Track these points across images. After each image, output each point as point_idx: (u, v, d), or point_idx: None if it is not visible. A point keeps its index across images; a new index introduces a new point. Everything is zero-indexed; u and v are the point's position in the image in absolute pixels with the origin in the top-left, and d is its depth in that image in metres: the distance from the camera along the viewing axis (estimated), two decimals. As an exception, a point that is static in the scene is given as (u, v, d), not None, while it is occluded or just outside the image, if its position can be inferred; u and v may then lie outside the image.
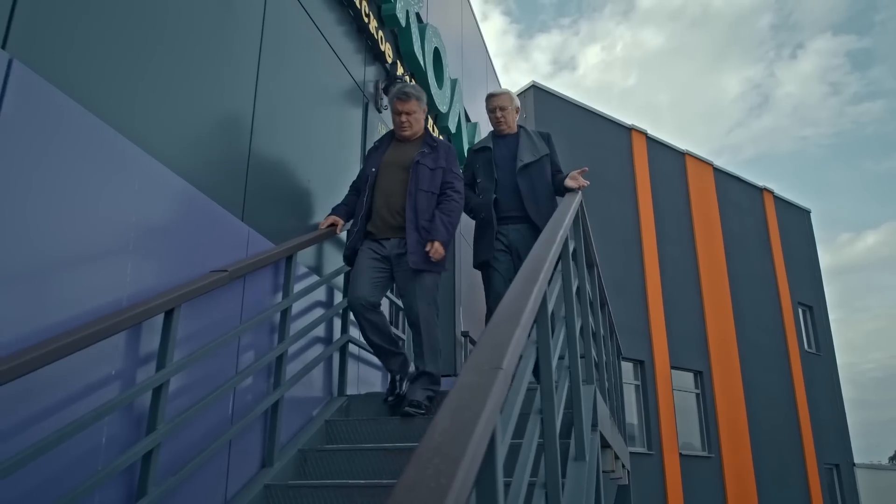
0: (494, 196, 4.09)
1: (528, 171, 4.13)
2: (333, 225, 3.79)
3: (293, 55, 3.91)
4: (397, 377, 3.66)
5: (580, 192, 3.76)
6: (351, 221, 3.89)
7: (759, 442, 16.19)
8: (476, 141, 8.01)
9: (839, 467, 18.52)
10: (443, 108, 6.47)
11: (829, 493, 17.84)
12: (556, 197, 4.16)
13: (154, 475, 2.34)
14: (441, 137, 4.03)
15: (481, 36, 9.29)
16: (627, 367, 14.56)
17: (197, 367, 2.70)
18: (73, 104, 2.22)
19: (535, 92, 16.09)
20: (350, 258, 3.75)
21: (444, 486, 0.86)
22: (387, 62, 5.31)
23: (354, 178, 4.16)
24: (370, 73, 5.11)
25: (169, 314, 2.50)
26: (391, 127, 4.05)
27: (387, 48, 5.28)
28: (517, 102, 4.31)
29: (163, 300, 2.41)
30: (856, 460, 19.39)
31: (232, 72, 3.24)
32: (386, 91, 5.16)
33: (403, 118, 3.83)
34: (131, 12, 2.57)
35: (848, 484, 18.51)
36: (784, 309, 18.47)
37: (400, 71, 5.45)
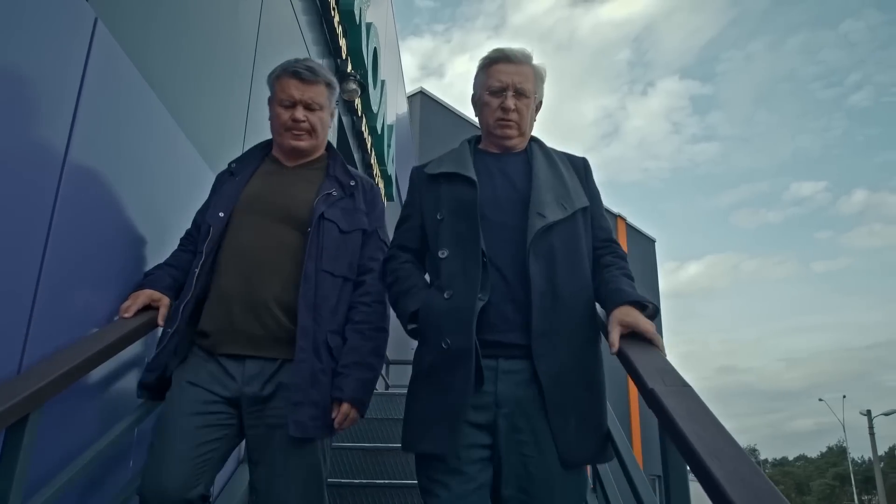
0: (481, 299, 1.65)
1: (552, 242, 1.74)
2: (151, 308, 1.93)
3: (282, 43, 3.82)
4: None
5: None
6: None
7: (598, 451, 17.38)
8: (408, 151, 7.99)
9: (660, 478, 20.28)
10: (374, 108, 6.49)
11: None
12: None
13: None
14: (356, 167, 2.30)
15: (397, 38, 9.36)
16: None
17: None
18: (145, 85, 2.11)
19: (422, 98, 16.36)
20: (154, 388, 1.86)
21: (755, 472, 1.02)
22: (340, 58, 5.27)
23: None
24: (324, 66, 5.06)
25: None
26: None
27: (343, 44, 5.25)
28: (542, 91, 1.97)
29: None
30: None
31: (235, 67, 3.16)
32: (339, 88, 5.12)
33: (300, 114, 1.99)
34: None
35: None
36: (626, 329, 19.96)
37: (349, 68, 5.43)
